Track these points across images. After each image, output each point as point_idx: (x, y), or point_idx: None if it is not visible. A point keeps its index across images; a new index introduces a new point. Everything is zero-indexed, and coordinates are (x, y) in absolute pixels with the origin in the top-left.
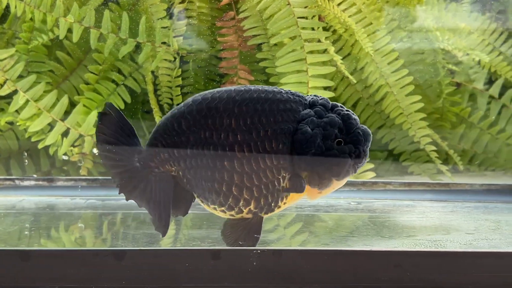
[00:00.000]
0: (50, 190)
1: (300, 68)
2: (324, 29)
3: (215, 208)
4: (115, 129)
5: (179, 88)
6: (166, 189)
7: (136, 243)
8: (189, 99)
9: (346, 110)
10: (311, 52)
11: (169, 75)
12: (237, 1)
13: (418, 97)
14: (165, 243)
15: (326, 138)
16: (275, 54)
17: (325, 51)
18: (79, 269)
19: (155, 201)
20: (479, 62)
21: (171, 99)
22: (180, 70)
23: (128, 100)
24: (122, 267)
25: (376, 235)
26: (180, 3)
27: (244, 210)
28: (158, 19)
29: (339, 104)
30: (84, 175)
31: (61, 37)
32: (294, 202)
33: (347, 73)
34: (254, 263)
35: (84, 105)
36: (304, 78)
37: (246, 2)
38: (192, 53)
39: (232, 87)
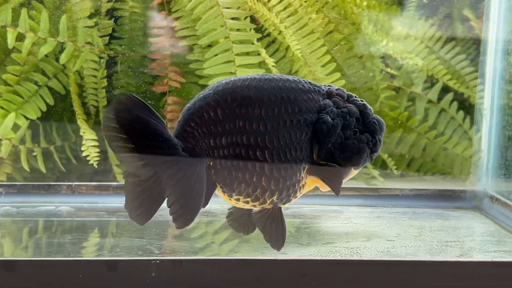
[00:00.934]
0: None
1: (229, 70)
2: (259, 31)
3: (238, 199)
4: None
5: (104, 90)
6: (202, 178)
7: (41, 252)
8: (218, 86)
9: (361, 100)
10: (240, 54)
11: (95, 76)
12: (170, 0)
13: None
14: (88, 251)
15: (345, 128)
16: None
17: (259, 54)
18: None
19: (192, 189)
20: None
21: (97, 101)
22: (105, 71)
23: (51, 102)
24: (11, 278)
25: (294, 242)
26: (108, 1)
27: (268, 200)
28: (82, 18)
29: (353, 94)
30: (1, 181)
31: None
32: (305, 192)
33: None
34: (153, 274)
35: (1, 107)
36: None
37: (179, 2)
38: (121, 54)
39: (257, 75)
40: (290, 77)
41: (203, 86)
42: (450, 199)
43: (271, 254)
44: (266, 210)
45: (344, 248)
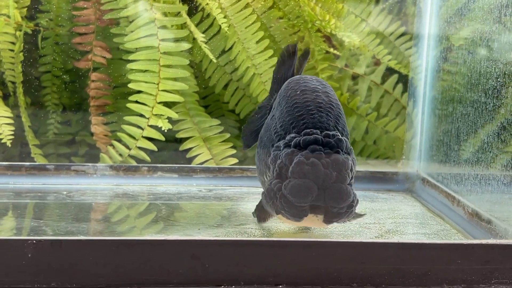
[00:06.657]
0: None
1: (151, 44)
2: (193, 5)
3: None
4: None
5: (21, 65)
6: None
7: None
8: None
9: (315, 157)
10: (165, 27)
11: (12, 50)
12: None
13: None
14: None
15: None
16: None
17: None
18: None
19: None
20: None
21: (14, 76)
22: (22, 45)
23: None
24: None
25: (204, 223)
26: None
27: (258, 176)
28: None
29: (321, 147)
30: None
31: None
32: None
33: (207, 52)
34: (29, 255)
35: None
36: (155, 55)
37: None
38: (44, 28)
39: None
40: (324, 104)
41: (125, 62)
42: (383, 181)
43: (179, 235)
44: None
45: (254, 229)
